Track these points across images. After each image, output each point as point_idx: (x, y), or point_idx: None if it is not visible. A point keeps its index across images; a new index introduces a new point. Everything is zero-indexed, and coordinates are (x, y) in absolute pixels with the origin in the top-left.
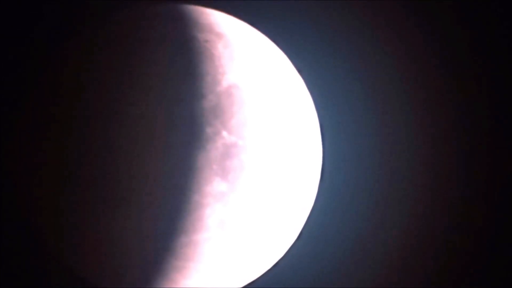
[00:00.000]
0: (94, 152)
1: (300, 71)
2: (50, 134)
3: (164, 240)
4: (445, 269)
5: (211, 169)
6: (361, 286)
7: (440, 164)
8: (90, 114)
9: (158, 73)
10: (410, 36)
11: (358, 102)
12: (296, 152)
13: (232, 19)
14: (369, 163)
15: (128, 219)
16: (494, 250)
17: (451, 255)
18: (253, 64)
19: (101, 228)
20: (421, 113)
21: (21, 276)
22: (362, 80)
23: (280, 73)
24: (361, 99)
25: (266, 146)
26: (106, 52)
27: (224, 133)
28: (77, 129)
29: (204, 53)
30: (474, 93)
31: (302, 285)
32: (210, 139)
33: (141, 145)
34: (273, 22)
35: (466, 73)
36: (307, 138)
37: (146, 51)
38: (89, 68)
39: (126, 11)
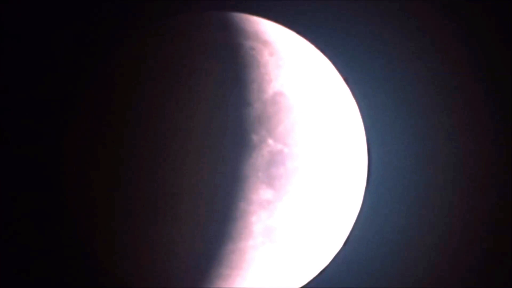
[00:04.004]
0: (143, 158)
1: (346, 79)
2: (102, 138)
3: (210, 248)
4: (498, 270)
5: (257, 177)
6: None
7: (490, 166)
8: (140, 120)
9: (204, 80)
10: (461, 40)
11: (404, 108)
12: (342, 159)
13: (278, 26)
14: (416, 167)
15: (175, 226)
16: None
17: (503, 256)
18: (299, 72)
19: (148, 235)
20: (468, 117)
21: (70, 284)
22: (409, 87)
23: (326, 81)
24: (407, 106)
25: (312, 153)
26: (156, 59)
27: (270, 141)
28: (128, 134)
29: (250, 60)
30: None
31: None
32: (256, 146)
33: (188, 153)
34: (319, 29)
35: None
36: (353, 146)
37: (193, 58)
38: (139, 75)
39: (175, 19)
